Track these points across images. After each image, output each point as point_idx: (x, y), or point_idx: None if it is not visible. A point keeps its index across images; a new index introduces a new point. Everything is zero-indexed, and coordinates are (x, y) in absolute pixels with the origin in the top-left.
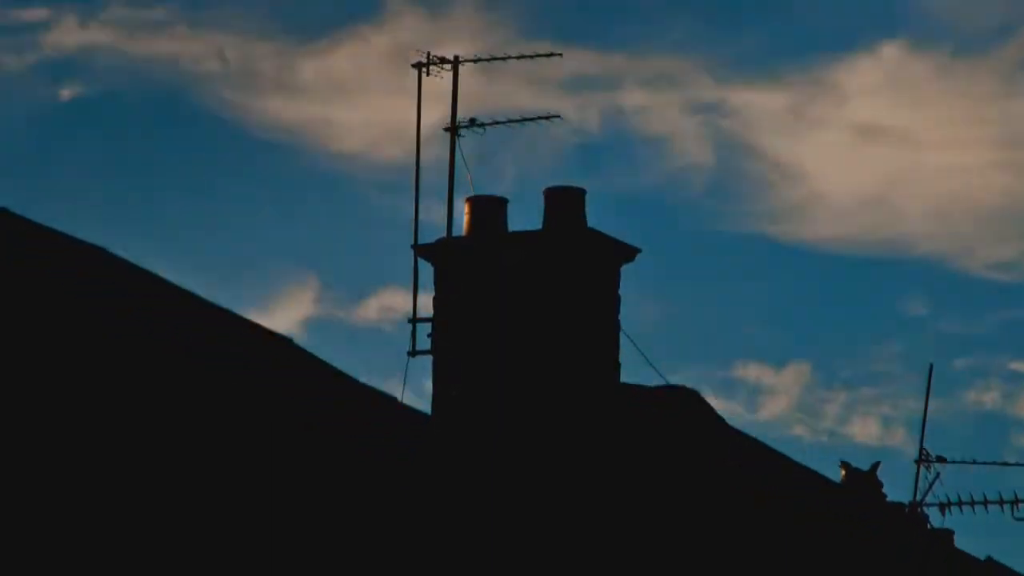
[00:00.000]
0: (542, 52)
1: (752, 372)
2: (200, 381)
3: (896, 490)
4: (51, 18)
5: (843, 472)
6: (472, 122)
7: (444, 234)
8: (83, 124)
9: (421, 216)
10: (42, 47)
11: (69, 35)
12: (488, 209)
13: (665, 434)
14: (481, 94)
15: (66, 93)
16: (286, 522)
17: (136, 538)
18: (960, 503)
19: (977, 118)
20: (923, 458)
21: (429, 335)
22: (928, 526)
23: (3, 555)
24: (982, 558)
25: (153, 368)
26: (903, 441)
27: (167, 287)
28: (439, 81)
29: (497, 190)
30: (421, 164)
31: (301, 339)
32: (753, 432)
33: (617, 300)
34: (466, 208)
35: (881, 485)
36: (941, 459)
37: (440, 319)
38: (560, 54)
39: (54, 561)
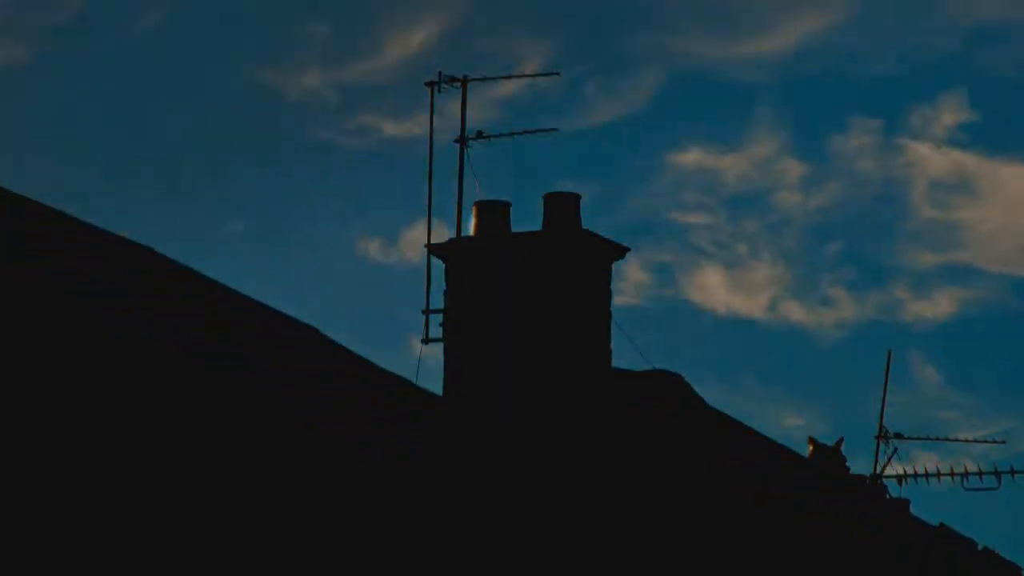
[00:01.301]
0: (541, 72)
1: None
2: (236, 367)
3: (858, 464)
4: None
5: (811, 447)
6: (479, 134)
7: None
8: None
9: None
10: None
11: None
12: (493, 212)
13: (650, 413)
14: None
15: None
16: (313, 493)
17: (180, 510)
18: (915, 475)
19: None
20: (882, 435)
21: (441, 324)
22: (886, 496)
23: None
24: (935, 524)
25: (191, 357)
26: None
27: (206, 283)
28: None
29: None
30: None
31: None
32: None
33: (609, 293)
34: (474, 211)
35: (845, 459)
36: (899, 436)
37: (450, 310)
38: (558, 73)
39: (94, 541)
